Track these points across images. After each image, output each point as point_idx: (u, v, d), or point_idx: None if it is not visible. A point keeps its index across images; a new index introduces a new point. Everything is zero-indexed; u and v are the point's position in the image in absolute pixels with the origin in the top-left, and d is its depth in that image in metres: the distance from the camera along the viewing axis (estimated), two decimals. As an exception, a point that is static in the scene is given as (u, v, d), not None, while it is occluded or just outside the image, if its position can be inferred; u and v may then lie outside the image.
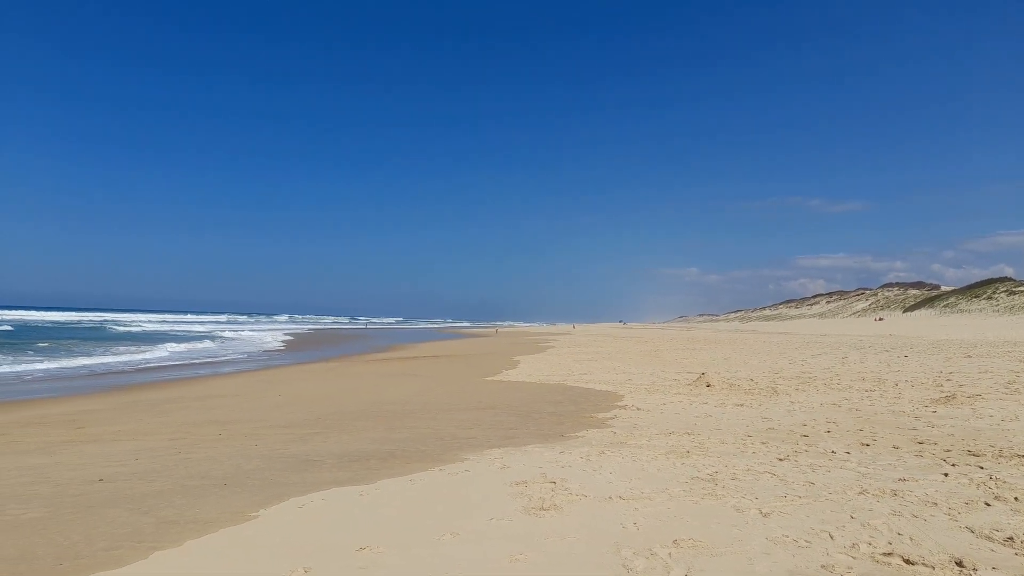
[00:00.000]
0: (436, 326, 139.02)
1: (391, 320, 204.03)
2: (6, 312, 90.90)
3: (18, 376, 20.39)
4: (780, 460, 7.32)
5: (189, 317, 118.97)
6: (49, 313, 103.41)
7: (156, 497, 6.20)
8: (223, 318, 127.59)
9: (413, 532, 5.00)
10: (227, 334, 56.63)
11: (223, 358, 30.55)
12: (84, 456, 8.33)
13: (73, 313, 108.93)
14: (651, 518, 5.25)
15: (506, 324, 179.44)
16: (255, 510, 5.69)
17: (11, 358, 25.39)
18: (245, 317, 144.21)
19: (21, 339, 37.40)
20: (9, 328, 49.47)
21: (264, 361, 29.10)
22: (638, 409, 11.68)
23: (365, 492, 6.25)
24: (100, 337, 44.36)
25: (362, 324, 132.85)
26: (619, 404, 12.43)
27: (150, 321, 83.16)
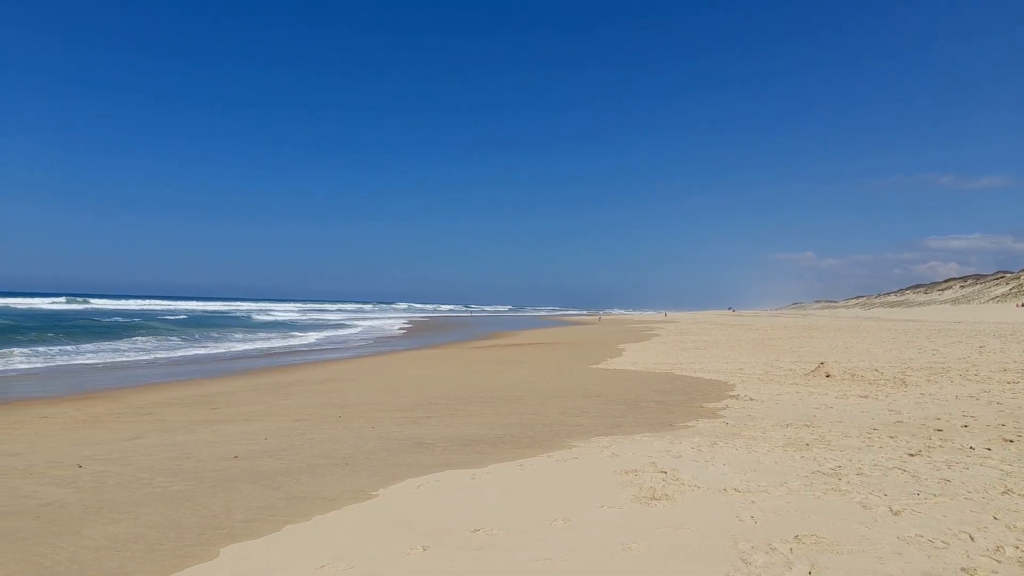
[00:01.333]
0: (541, 314, 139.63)
1: (502, 308, 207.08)
2: (182, 303, 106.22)
3: (189, 358, 22.39)
4: (911, 456, 6.85)
5: (325, 306, 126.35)
6: (207, 303, 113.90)
7: (285, 474, 6.63)
8: (351, 307, 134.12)
9: (524, 516, 5.08)
10: (352, 322, 59.75)
11: (344, 344, 32.15)
12: (221, 434, 9.02)
13: (222, 303, 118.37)
14: (769, 512, 5.07)
15: (610, 312, 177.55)
16: (375, 489, 5.97)
17: (186, 342, 28.33)
18: (370, 306, 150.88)
19: (194, 326, 42.19)
20: (184, 317, 58.10)
21: (379, 347, 30.36)
22: (751, 399, 11.27)
23: (476, 475, 6.41)
24: (247, 325, 47.92)
25: (470, 312, 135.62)
26: (731, 394, 12.05)
27: (287, 311, 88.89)
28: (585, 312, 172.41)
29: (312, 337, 37.90)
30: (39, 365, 19.53)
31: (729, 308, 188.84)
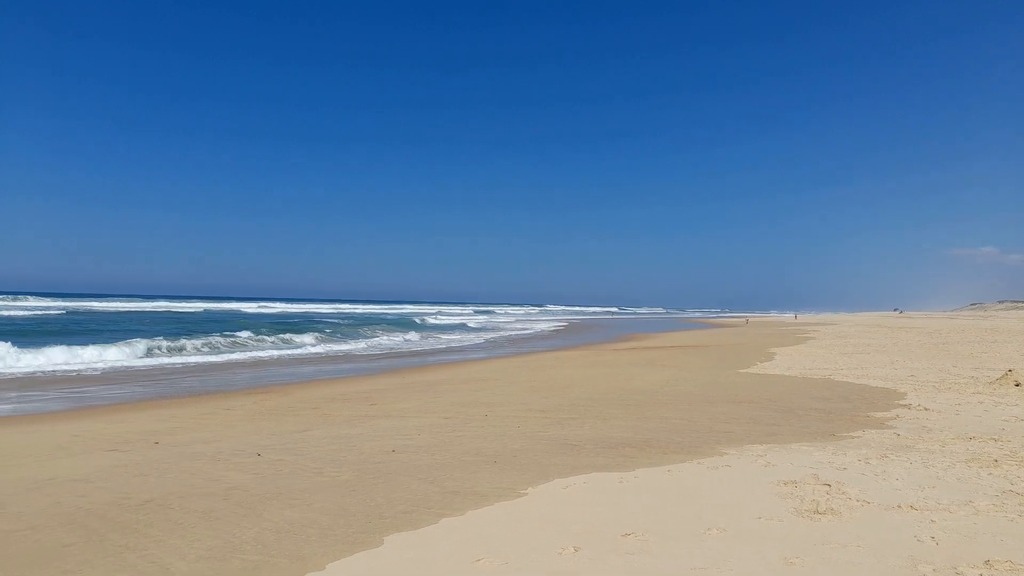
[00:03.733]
0: (687, 316, 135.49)
1: (656, 309, 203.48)
2: (347, 305, 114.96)
3: (346, 354, 24.19)
4: None
5: (471, 307, 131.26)
6: (366, 305, 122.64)
7: (439, 469, 6.92)
8: (497, 308, 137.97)
9: (676, 523, 4.96)
10: (496, 323, 61.61)
11: (490, 344, 33.11)
12: (379, 429, 9.59)
13: (380, 305, 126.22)
14: (953, 533, 4.60)
15: (757, 314, 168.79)
16: (524, 487, 6.08)
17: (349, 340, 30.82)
18: (517, 307, 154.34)
19: (358, 325, 45.67)
20: (351, 318, 62.41)
21: (522, 348, 30.94)
22: (926, 409, 10.28)
23: (624, 479, 6.35)
24: (401, 325, 50.70)
25: (613, 314, 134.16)
26: (901, 403, 11.06)
27: (440, 313, 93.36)
28: (729, 313, 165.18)
29: (459, 337, 39.33)
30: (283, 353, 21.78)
31: (895, 309, 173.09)
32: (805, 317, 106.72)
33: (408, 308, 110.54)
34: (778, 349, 26.08)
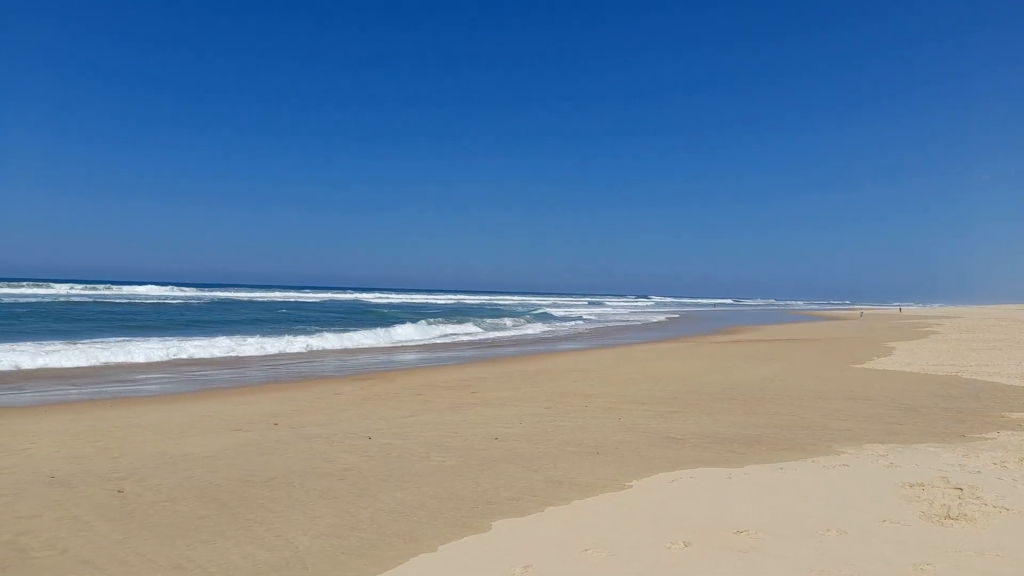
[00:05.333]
0: (796, 308, 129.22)
1: (762, 301, 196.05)
2: (443, 296, 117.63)
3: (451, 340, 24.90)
4: None
5: (571, 299, 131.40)
6: (466, 296, 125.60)
7: (542, 458, 6.97)
8: (597, 299, 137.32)
9: (791, 522, 4.76)
10: (606, 312, 61.16)
11: (588, 334, 33.02)
12: (481, 416, 9.77)
13: (475, 296, 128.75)
14: (1111, 549, 4.17)
15: (867, 306, 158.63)
16: (628, 480, 6.03)
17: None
18: (628, 300, 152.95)
19: (453, 316, 46.89)
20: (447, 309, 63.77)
21: (620, 339, 30.63)
22: (1071, 411, 9.36)
23: (733, 475, 6.16)
24: (500, 314, 51.55)
25: (727, 305, 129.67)
26: (1041, 403, 10.12)
27: (523, 302, 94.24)
28: (839, 305, 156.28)
29: (555, 327, 39.41)
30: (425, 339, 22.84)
31: None
32: (912, 310, 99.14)
33: (517, 299, 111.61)
34: (897, 343, 24.50)
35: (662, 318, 57.94)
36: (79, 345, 19.15)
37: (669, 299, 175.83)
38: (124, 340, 21.38)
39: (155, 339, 21.86)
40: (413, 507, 5.32)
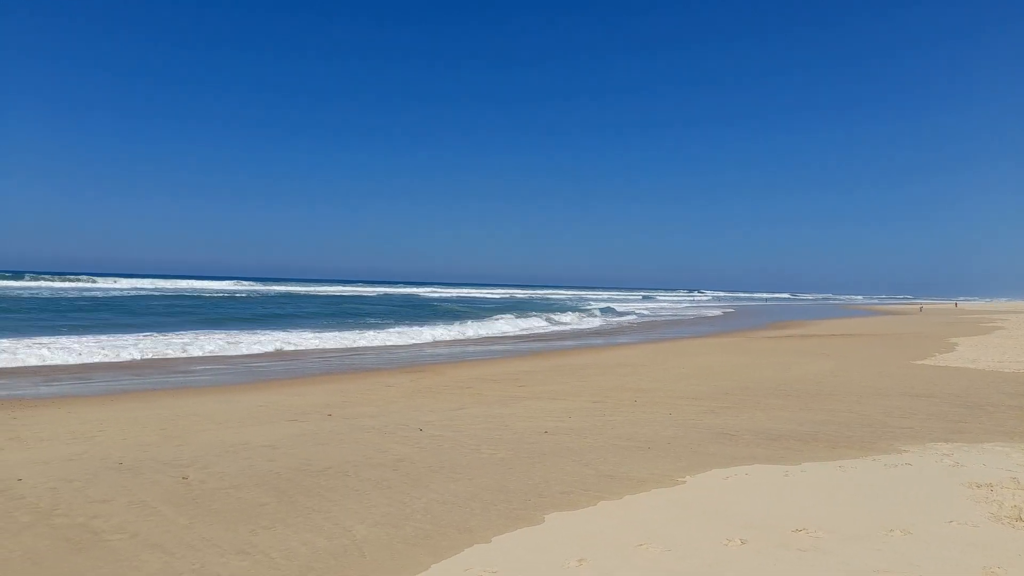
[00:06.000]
0: (854, 303, 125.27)
1: (818, 295, 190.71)
2: (492, 290, 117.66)
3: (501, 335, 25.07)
4: None
5: (627, 293, 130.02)
6: (527, 290, 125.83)
7: (592, 452, 6.95)
8: (650, 293, 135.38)
9: (852, 522, 4.64)
10: (649, 307, 60.55)
11: (638, 328, 32.76)
12: (529, 410, 9.79)
13: (531, 291, 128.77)
14: None
15: (929, 301, 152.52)
16: (681, 475, 5.96)
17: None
18: (667, 293, 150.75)
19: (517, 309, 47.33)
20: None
21: (668, 333, 30.29)
22: None
23: (790, 472, 6.03)
24: (556, 308, 51.54)
25: (783, 300, 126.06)
26: (1119, 402, 9.61)
27: (577, 296, 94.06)
28: (903, 301, 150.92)
29: (601, 321, 39.21)
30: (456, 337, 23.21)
31: None
32: (971, 305, 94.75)
33: (569, 293, 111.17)
34: (960, 339, 23.58)
35: (716, 312, 57.04)
36: (183, 336, 20.54)
37: (723, 293, 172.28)
38: (234, 332, 22.80)
39: (260, 332, 23.04)
40: (466, 498, 5.37)
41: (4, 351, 15.58)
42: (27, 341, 17.54)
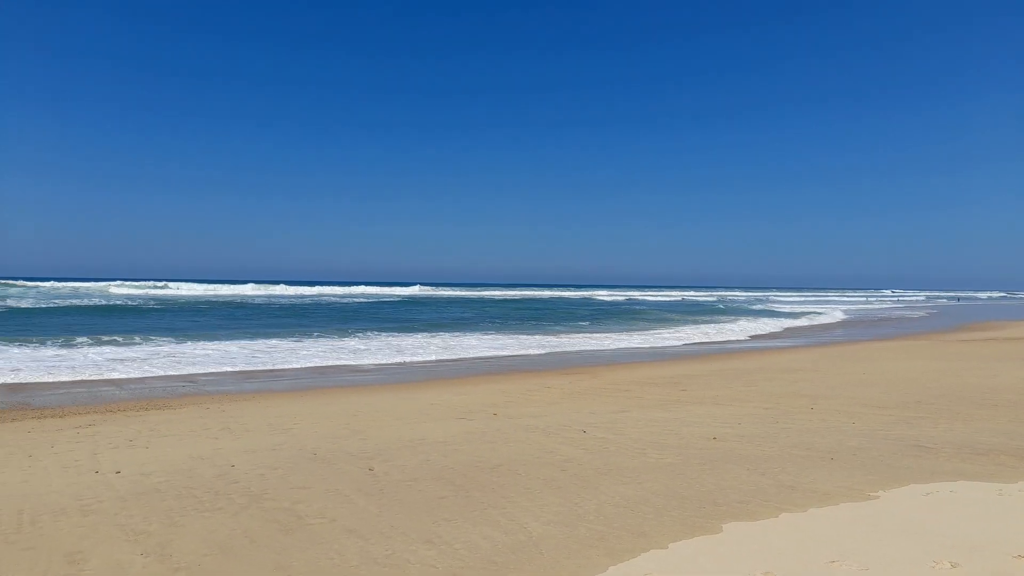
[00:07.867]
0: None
1: (993, 294, 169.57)
2: (653, 292, 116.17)
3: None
4: None
5: (779, 294, 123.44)
6: (695, 291, 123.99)
7: (767, 461, 6.61)
8: (812, 294, 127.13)
9: (1092, 552, 4.03)
10: (810, 309, 56.85)
11: (805, 332, 30.78)
12: (693, 415, 9.50)
13: (697, 291, 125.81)
14: None
15: None
16: (873, 490, 5.50)
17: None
18: (831, 293, 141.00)
19: (678, 312, 46.78)
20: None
21: (841, 335, 28.11)
22: None
23: (1005, 491, 5.37)
24: (714, 312, 50.12)
25: (956, 299, 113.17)
26: None
27: (754, 297, 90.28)
28: None
29: (771, 324, 37.17)
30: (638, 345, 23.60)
31: None
32: None
33: (746, 295, 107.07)
34: None
35: (921, 312, 52.10)
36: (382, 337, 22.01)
37: (920, 294, 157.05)
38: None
39: (441, 335, 24.70)
40: (637, 502, 5.31)
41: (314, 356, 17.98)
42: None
